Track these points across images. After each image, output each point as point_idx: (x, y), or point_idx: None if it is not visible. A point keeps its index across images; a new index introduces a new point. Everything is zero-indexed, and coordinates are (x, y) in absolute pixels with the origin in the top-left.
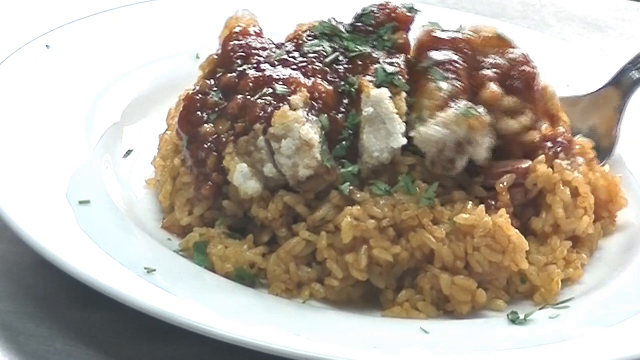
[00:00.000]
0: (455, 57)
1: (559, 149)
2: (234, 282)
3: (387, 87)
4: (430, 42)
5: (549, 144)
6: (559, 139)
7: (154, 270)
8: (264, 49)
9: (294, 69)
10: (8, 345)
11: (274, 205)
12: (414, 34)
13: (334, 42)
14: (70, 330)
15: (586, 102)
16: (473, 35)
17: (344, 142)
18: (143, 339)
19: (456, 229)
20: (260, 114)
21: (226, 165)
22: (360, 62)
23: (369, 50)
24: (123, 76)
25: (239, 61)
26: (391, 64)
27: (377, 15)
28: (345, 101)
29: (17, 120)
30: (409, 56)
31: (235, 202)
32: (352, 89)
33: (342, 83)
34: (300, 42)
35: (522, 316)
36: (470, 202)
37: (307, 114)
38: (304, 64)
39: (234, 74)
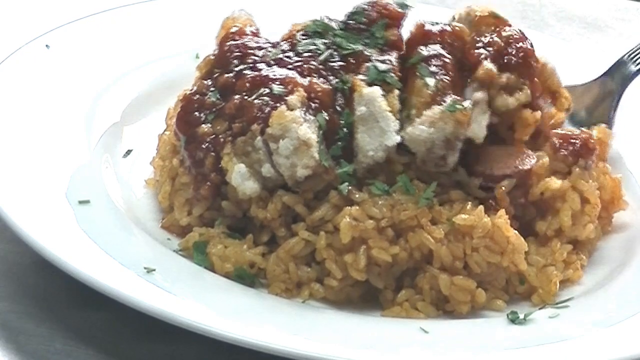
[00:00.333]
0: (443, 51)
1: (580, 154)
2: (234, 282)
3: (379, 85)
4: (421, 36)
5: (568, 146)
6: (579, 141)
7: (154, 270)
8: (261, 48)
9: (290, 69)
10: (8, 345)
11: (273, 206)
12: (407, 31)
13: (327, 40)
14: (70, 330)
15: (581, 91)
16: (471, 15)
17: (340, 142)
18: (143, 339)
19: (455, 229)
20: (258, 114)
21: (224, 165)
22: (353, 60)
23: (361, 48)
24: (123, 76)
25: (236, 61)
26: (383, 61)
27: (369, 12)
28: (341, 100)
29: (17, 120)
30: (401, 53)
31: (234, 202)
32: (346, 87)
33: (337, 81)
34: (295, 41)
35: (521, 316)
36: (470, 203)
37: (305, 114)
38: (300, 63)
39: (231, 74)
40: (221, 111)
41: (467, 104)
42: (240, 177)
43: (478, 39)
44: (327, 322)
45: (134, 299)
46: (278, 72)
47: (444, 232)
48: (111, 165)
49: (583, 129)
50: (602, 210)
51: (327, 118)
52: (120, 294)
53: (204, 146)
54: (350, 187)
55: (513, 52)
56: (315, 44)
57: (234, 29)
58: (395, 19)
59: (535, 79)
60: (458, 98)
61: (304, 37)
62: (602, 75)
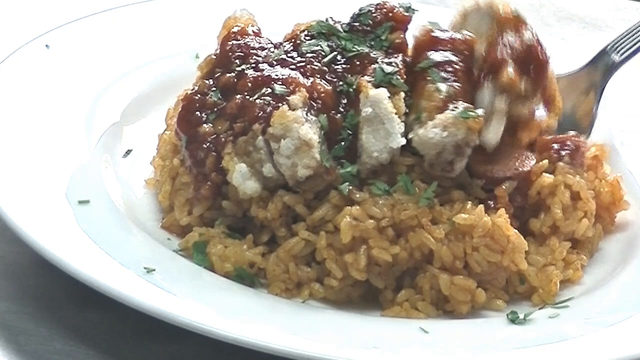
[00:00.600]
0: (454, 58)
1: (565, 152)
2: (234, 282)
3: (385, 87)
4: (429, 42)
5: (556, 146)
6: (568, 142)
7: (154, 270)
8: (263, 48)
9: (292, 69)
10: (8, 345)
11: (273, 205)
12: (411, 34)
13: (331, 41)
14: (70, 330)
15: (565, 82)
16: (493, 9)
17: (343, 143)
18: (143, 339)
19: (455, 229)
20: (259, 114)
21: (225, 165)
22: (358, 62)
23: (366, 50)
24: (123, 76)
25: (237, 61)
26: (389, 63)
27: (374, 15)
28: (344, 101)
29: (17, 120)
30: (407, 57)
31: (235, 202)
32: (351, 89)
33: (341, 83)
34: (298, 42)
35: (521, 316)
36: (470, 202)
37: (306, 114)
38: (303, 64)
39: (232, 74)
40: (222, 111)
41: (480, 111)
42: (241, 177)
43: (500, 37)
44: (327, 322)
45: (134, 299)
46: (280, 72)
47: (444, 231)
48: (111, 165)
49: (572, 132)
50: (604, 211)
51: (329, 118)
52: (120, 294)
53: (205, 146)
54: (350, 187)
55: (532, 62)
56: (319, 45)
57: (235, 29)
58: (400, 22)
59: (546, 86)
60: (469, 105)
61: (308, 38)
62: (586, 65)
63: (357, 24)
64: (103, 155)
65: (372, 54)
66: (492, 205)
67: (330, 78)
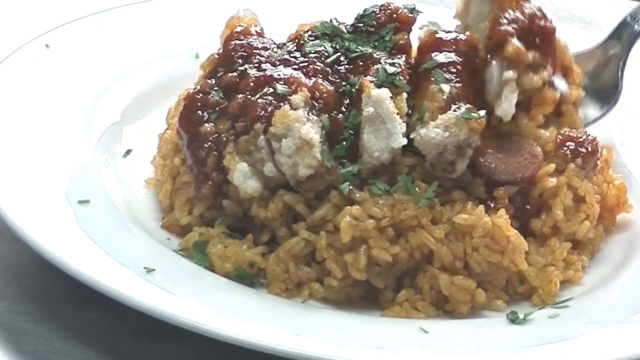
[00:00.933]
0: (458, 59)
1: (580, 154)
2: (234, 281)
3: (388, 87)
4: (433, 43)
5: (572, 146)
6: (585, 145)
7: (154, 270)
8: (265, 48)
9: (295, 69)
10: (8, 345)
11: (274, 205)
12: (415, 35)
13: (335, 42)
14: (70, 329)
15: (586, 57)
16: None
17: (344, 142)
18: (143, 339)
19: (455, 229)
20: (261, 114)
21: (226, 164)
22: (361, 63)
23: (370, 50)
24: (123, 76)
25: (240, 61)
26: (392, 64)
27: (378, 16)
28: (347, 102)
29: (17, 120)
30: (411, 58)
31: (235, 201)
32: (353, 90)
33: (343, 83)
34: (302, 42)
35: (521, 316)
36: (470, 203)
37: (308, 114)
38: (305, 64)
39: (235, 74)
40: (224, 110)
41: (482, 113)
42: (242, 176)
43: (502, 15)
44: (327, 322)
45: (133, 299)
46: (282, 71)
47: (444, 232)
48: (111, 165)
49: (587, 129)
50: (607, 212)
51: (330, 118)
52: (120, 294)
53: (206, 145)
54: (351, 187)
55: (537, 31)
56: (322, 46)
57: (238, 29)
58: (404, 24)
59: (556, 55)
60: (472, 106)
61: (311, 38)
62: (605, 39)
63: (361, 24)
64: (103, 155)
65: (375, 55)
66: (493, 206)
67: (333, 79)
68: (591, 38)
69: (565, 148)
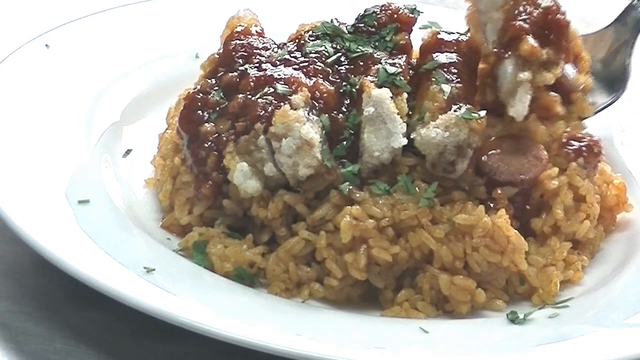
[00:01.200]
0: (459, 60)
1: (582, 154)
2: (234, 281)
3: (388, 87)
4: (435, 44)
5: (575, 144)
6: (586, 143)
7: (154, 270)
8: (266, 48)
9: (295, 69)
10: (7, 345)
11: (274, 205)
12: (415, 35)
13: (336, 42)
14: (70, 329)
15: (593, 39)
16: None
17: (344, 142)
18: (143, 339)
19: (455, 229)
20: (261, 113)
21: (226, 164)
22: (362, 63)
23: (370, 51)
24: (123, 76)
25: (240, 61)
26: (393, 64)
27: (379, 16)
28: (347, 102)
29: (17, 120)
30: (413, 59)
31: (235, 201)
32: (354, 90)
33: (344, 83)
34: (302, 42)
35: (521, 316)
36: (470, 203)
37: (308, 114)
38: (306, 64)
39: (235, 74)
40: (224, 110)
41: (482, 113)
42: (242, 176)
43: (516, 10)
44: (327, 322)
45: (133, 299)
46: (282, 71)
47: (444, 231)
48: (111, 165)
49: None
50: (607, 212)
51: (331, 118)
52: (120, 294)
53: (206, 145)
54: (351, 187)
55: (551, 25)
56: (323, 46)
57: (239, 29)
58: (405, 24)
59: (569, 49)
60: (472, 107)
61: (312, 38)
62: (613, 22)
63: (362, 25)
64: (103, 155)
65: (375, 55)
66: (493, 206)
67: (333, 79)
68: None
69: (568, 147)
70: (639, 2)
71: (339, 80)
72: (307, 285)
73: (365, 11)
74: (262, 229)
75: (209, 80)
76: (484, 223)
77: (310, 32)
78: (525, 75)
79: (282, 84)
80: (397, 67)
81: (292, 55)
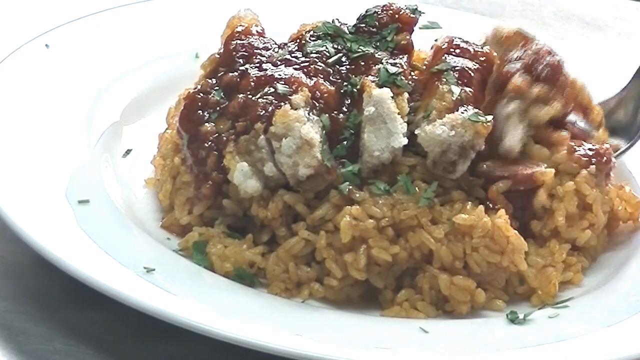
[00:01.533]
0: (472, 67)
1: (592, 162)
2: (234, 281)
3: (389, 87)
4: (450, 47)
5: (589, 152)
6: (596, 151)
7: (154, 269)
8: (267, 48)
9: (296, 69)
10: (7, 345)
11: (274, 205)
12: (416, 35)
13: (337, 43)
14: (70, 329)
15: (614, 102)
16: (497, 35)
17: (345, 142)
18: (143, 339)
19: (455, 229)
20: (262, 113)
21: (227, 164)
22: (362, 63)
23: (372, 51)
24: (123, 76)
25: (241, 60)
26: (394, 64)
27: (380, 16)
28: (348, 102)
29: (17, 120)
30: (413, 60)
31: (235, 201)
32: (355, 90)
33: (345, 84)
34: (303, 42)
35: (521, 316)
36: (470, 203)
37: (308, 114)
38: (306, 64)
39: (235, 74)
40: (225, 110)
41: (490, 117)
42: (242, 176)
43: (507, 57)
44: (327, 322)
45: (133, 299)
46: (283, 71)
47: (444, 232)
48: (111, 165)
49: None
50: (613, 221)
51: (331, 118)
52: (120, 294)
53: (206, 145)
54: (350, 187)
55: (542, 65)
56: (324, 46)
57: (239, 28)
58: (406, 24)
59: (566, 91)
60: (480, 112)
61: (313, 38)
62: (632, 78)
63: (363, 25)
64: (103, 155)
65: (377, 55)
66: (492, 206)
67: (334, 79)
68: (590, 37)
69: (580, 152)
70: None
71: (339, 80)
72: (307, 285)
73: (366, 11)
74: (262, 229)
75: (209, 80)
76: (484, 223)
77: (311, 32)
78: (512, 106)
79: (282, 84)
80: (398, 67)
81: (292, 55)
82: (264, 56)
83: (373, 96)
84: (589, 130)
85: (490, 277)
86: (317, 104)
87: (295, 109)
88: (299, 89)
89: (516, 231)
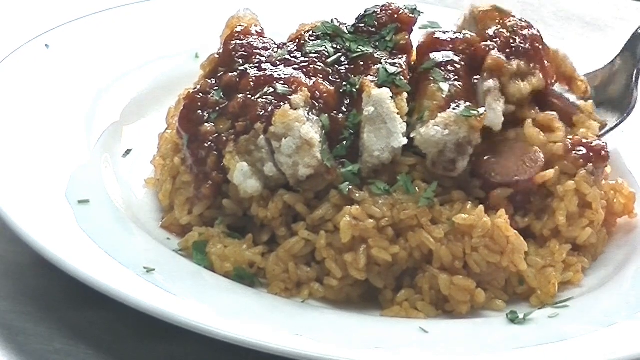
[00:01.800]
0: (456, 58)
1: (590, 159)
2: (234, 281)
3: (388, 87)
4: (431, 44)
5: (583, 151)
6: (593, 147)
7: (154, 269)
8: (266, 48)
9: (295, 69)
10: (7, 345)
11: (273, 205)
12: (416, 35)
13: (336, 42)
14: (70, 329)
15: (602, 76)
16: (475, 13)
17: (345, 142)
18: (143, 339)
19: (455, 229)
20: (261, 113)
21: (226, 164)
22: (362, 63)
23: (371, 51)
24: (122, 76)
25: (240, 60)
26: (393, 64)
27: (379, 16)
28: (347, 101)
29: (17, 120)
30: (412, 58)
31: (235, 201)
32: (354, 89)
33: (344, 83)
34: (303, 42)
35: (521, 316)
36: (470, 203)
37: (308, 114)
38: (306, 64)
39: (235, 74)
40: (224, 110)
41: (482, 110)
42: (242, 176)
43: (484, 33)
44: (327, 322)
45: (133, 299)
46: (282, 71)
47: (443, 231)
48: (111, 165)
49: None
50: (610, 216)
51: (330, 118)
52: (120, 294)
53: (206, 145)
54: (350, 187)
55: (520, 40)
56: (323, 46)
57: (239, 28)
58: (405, 24)
59: (547, 64)
60: (472, 105)
61: (312, 38)
62: (617, 56)
63: (362, 25)
64: (103, 155)
65: (376, 55)
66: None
67: (333, 79)
68: (590, 37)
69: (576, 152)
70: None
71: (339, 80)
72: (307, 285)
73: (365, 11)
74: (262, 228)
75: (209, 80)
76: (484, 223)
77: (311, 32)
78: (490, 83)
79: (282, 84)
80: (397, 67)
81: (292, 55)
82: (264, 56)
83: (372, 96)
84: (574, 105)
85: (490, 277)
86: (317, 104)
87: (295, 109)
88: (299, 89)
89: (516, 231)
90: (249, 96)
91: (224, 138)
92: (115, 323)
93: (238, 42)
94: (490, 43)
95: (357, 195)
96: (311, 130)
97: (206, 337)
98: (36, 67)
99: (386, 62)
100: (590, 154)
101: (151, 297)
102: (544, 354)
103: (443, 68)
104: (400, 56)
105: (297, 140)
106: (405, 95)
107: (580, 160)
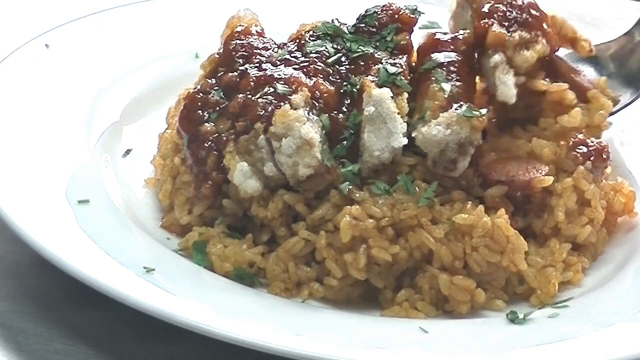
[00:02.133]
0: (457, 58)
1: (591, 157)
2: (233, 281)
3: (389, 87)
4: (431, 44)
5: (584, 149)
6: (595, 147)
7: (154, 269)
8: (266, 48)
9: (295, 69)
10: (7, 345)
11: (273, 205)
12: (416, 35)
13: (336, 42)
14: (70, 329)
15: (616, 46)
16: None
17: (345, 142)
18: (143, 339)
19: (455, 228)
20: (261, 113)
21: (226, 164)
22: (362, 63)
23: (371, 51)
24: (122, 76)
25: (240, 60)
26: (394, 64)
27: (380, 16)
28: (347, 101)
29: (17, 120)
30: (412, 60)
31: (235, 201)
32: (354, 89)
33: (345, 84)
34: (303, 42)
35: (521, 316)
36: (470, 202)
37: (308, 114)
38: (306, 64)
39: (235, 73)
40: (225, 110)
41: (483, 111)
42: (242, 176)
43: (480, 12)
44: (327, 322)
45: (133, 299)
46: (283, 71)
47: (443, 231)
48: (111, 165)
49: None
50: (610, 215)
51: (331, 118)
52: (120, 294)
53: (206, 145)
54: (350, 187)
55: (516, 10)
56: (324, 46)
57: (239, 28)
58: (406, 24)
59: (548, 28)
60: (473, 105)
61: (313, 38)
62: (633, 26)
63: (363, 25)
64: (103, 155)
65: (376, 55)
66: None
67: (334, 79)
68: (591, 38)
69: (577, 151)
70: None
71: (339, 80)
72: (307, 285)
73: (366, 11)
74: (262, 228)
75: (209, 80)
76: (484, 223)
77: (311, 32)
78: (496, 58)
79: (282, 84)
80: (397, 67)
81: (292, 55)
82: (264, 56)
83: (373, 96)
84: (589, 80)
85: (490, 277)
86: (317, 104)
87: (295, 109)
88: (299, 88)
89: (516, 231)
90: (249, 96)
91: (224, 138)
92: (115, 323)
93: (238, 42)
94: (487, 20)
95: (357, 195)
96: (311, 130)
97: (206, 337)
98: (36, 67)
99: (387, 62)
100: (592, 153)
101: (151, 297)
102: (544, 354)
103: (444, 68)
104: (400, 56)
105: (297, 140)
106: (405, 95)
107: (580, 157)
